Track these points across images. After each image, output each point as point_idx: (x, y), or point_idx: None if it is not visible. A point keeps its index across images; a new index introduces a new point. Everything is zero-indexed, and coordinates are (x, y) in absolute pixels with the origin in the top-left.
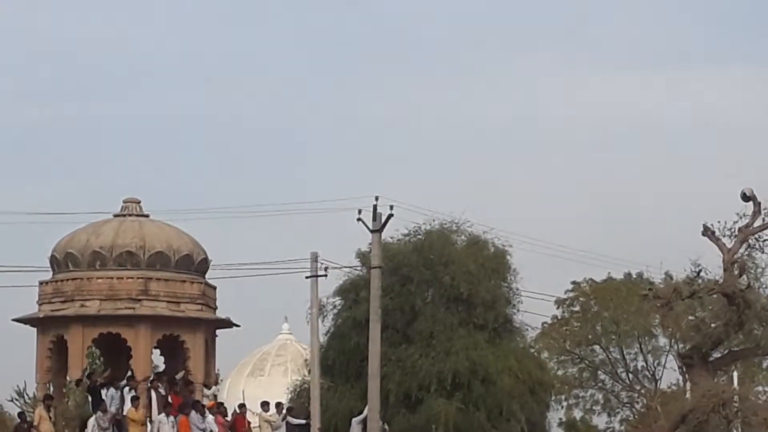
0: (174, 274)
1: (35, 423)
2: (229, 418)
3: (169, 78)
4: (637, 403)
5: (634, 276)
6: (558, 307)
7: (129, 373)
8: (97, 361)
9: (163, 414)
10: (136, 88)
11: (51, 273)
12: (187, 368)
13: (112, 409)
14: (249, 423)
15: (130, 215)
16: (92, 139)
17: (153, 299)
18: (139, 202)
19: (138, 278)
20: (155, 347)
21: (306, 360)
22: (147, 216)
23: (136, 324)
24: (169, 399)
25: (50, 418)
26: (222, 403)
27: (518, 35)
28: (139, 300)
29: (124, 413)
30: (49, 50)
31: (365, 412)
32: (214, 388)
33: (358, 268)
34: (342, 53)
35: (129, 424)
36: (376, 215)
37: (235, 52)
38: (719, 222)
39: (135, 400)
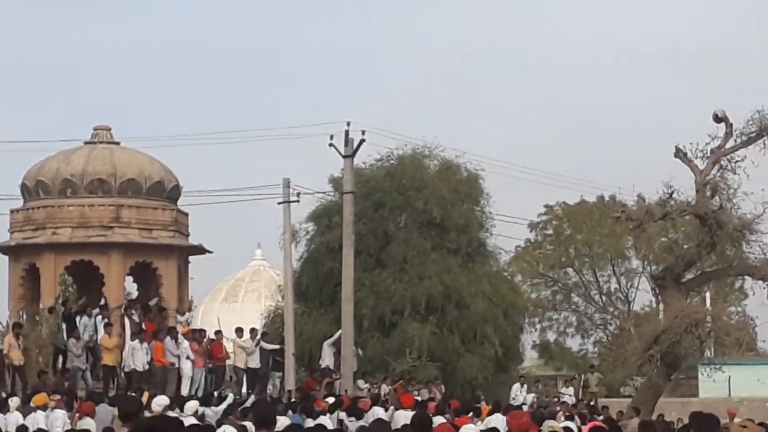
0: (146, 201)
1: (5, 351)
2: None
3: (140, 2)
4: (611, 324)
5: (607, 199)
6: (531, 231)
7: (102, 301)
8: (70, 289)
9: (137, 340)
10: (107, 13)
11: (22, 201)
12: (160, 295)
13: (86, 336)
14: (225, 349)
15: (100, 143)
16: (62, 66)
17: (125, 226)
18: (109, 129)
19: (109, 205)
20: (128, 274)
21: (279, 286)
22: (118, 143)
23: (109, 251)
24: (143, 326)
25: (19, 345)
26: (203, 330)
27: None
28: (111, 227)
29: (98, 341)
30: None
31: (336, 334)
32: (187, 314)
33: (331, 194)
34: None
35: (103, 351)
36: (348, 140)
37: None
38: (691, 143)
39: (108, 326)
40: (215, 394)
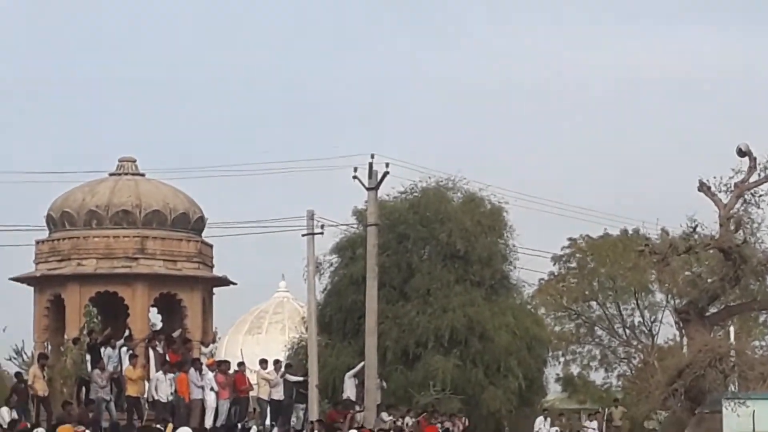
0: (170, 232)
1: (30, 382)
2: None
3: (165, 34)
4: (634, 358)
5: (630, 232)
6: (555, 264)
7: (126, 332)
8: (95, 320)
9: (160, 372)
10: (132, 45)
11: (47, 232)
12: (184, 326)
13: (110, 368)
14: (249, 380)
15: (125, 174)
16: (88, 97)
17: (150, 258)
18: (134, 161)
19: (134, 237)
20: (152, 306)
21: (303, 317)
22: (143, 175)
23: (133, 282)
24: (167, 357)
25: (44, 376)
26: (226, 361)
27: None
28: (136, 258)
29: (122, 372)
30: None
31: (358, 366)
32: (211, 346)
33: (355, 226)
34: (339, 10)
35: (127, 382)
36: (372, 173)
37: (232, 7)
38: (715, 177)
39: (133, 358)
40: (239, 425)
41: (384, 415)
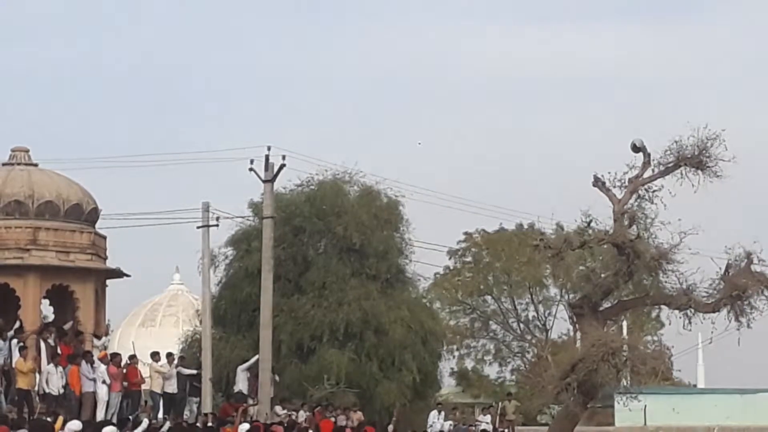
0: (63, 223)
1: None
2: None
3: (59, 24)
4: (528, 352)
5: (526, 227)
6: (450, 258)
7: (17, 324)
8: None
9: (52, 364)
10: (24, 33)
11: None
12: (76, 318)
13: (0, 360)
14: (141, 373)
15: (18, 164)
16: None
17: (42, 249)
18: (27, 151)
19: (26, 228)
20: (44, 297)
21: (197, 310)
22: (36, 165)
23: (25, 274)
24: (59, 350)
25: None
26: (117, 354)
27: None
28: (28, 250)
29: (13, 364)
30: None
31: (252, 360)
32: (104, 338)
33: (250, 219)
34: (233, 1)
35: (17, 375)
36: (268, 165)
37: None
38: (609, 173)
39: (23, 350)
40: (130, 418)
41: (278, 409)
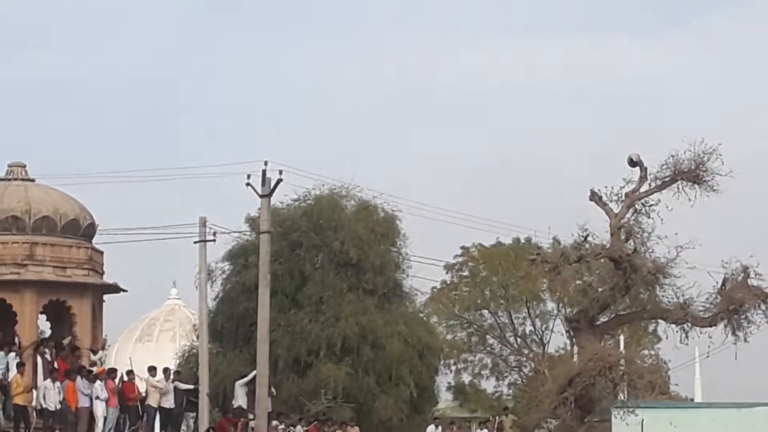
0: (60, 238)
1: None
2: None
3: (55, 39)
4: (525, 366)
5: (523, 241)
6: (447, 272)
7: (15, 339)
8: None
9: (48, 380)
10: (20, 50)
11: None
12: (73, 333)
13: None
14: (138, 389)
15: (15, 179)
16: None
17: (39, 264)
18: (24, 166)
19: (23, 243)
20: (41, 312)
21: (194, 325)
22: (32, 180)
23: (22, 289)
24: (55, 365)
25: None
26: (114, 369)
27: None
28: (25, 265)
29: (9, 380)
30: None
31: (250, 375)
32: (101, 353)
33: (247, 233)
34: (232, 14)
35: (14, 390)
36: (265, 180)
37: (119, 8)
38: (606, 187)
39: (20, 366)
40: None
41: (275, 424)
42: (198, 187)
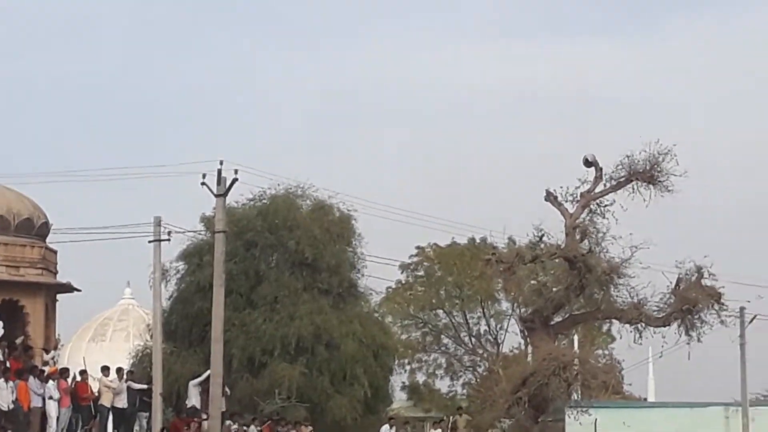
0: (13, 237)
1: None
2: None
3: (8, 39)
4: (480, 366)
5: (478, 241)
6: (402, 272)
7: None
8: None
9: (1, 379)
10: None
11: None
12: (26, 333)
13: None
14: (91, 388)
15: None
16: None
17: None
18: None
19: None
20: None
21: (148, 325)
22: None
23: None
24: (8, 364)
25: None
26: (67, 369)
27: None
28: None
29: None
30: None
31: (204, 375)
32: (53, 352)
33: (202, 233)
34: (184, 16)
35: None
36: (220, 179)
37: (77, 10)
38: (561, 187)
39: None
40: None
41: (229, 423)
42: (153, 187)
